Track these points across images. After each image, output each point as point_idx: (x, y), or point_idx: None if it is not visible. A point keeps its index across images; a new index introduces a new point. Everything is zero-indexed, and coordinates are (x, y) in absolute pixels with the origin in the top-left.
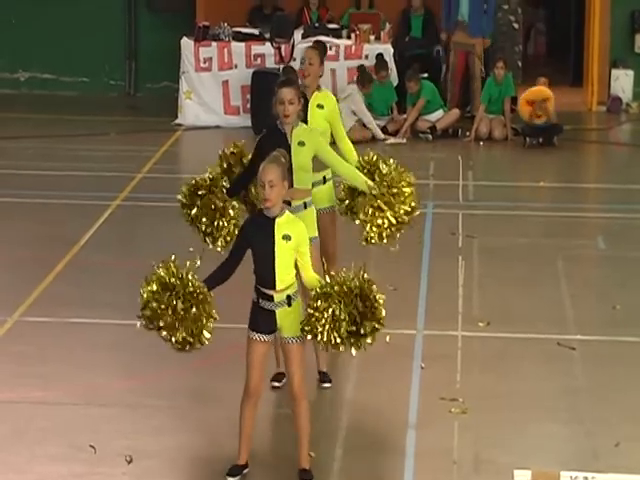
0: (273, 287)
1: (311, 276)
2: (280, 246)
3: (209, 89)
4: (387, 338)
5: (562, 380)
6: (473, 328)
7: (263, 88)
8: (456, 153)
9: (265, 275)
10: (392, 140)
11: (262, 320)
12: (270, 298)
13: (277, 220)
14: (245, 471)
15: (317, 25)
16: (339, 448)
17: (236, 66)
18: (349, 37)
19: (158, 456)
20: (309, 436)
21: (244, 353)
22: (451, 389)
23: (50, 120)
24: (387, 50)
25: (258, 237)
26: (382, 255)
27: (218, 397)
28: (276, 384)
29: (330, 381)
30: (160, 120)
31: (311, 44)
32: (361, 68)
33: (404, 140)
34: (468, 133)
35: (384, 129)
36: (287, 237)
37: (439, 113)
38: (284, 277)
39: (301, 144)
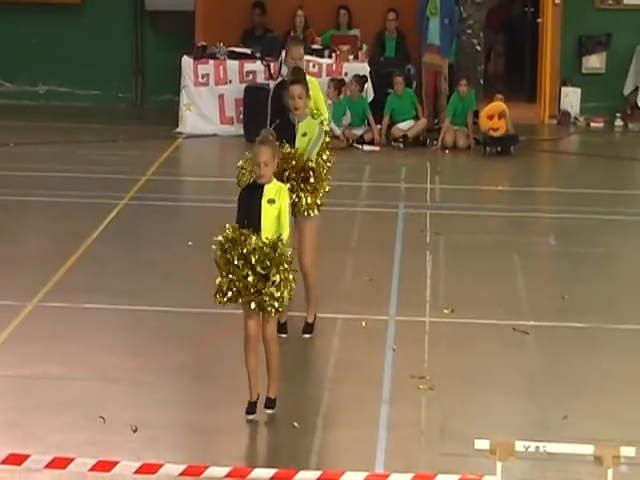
0: None
1: (287, 236)
2: (265, 208)
3: (206, 101)
4: (363, 323)
5: (517, 361)
6: (439, 314)
7: (254, 101)
8: (425, 160)
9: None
10: (368, 147)
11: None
12: None
13: (266, 186)
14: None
15: None
16: (320, 421)
17: (230, 81)
18: (330, 56)
19: (162, 426)
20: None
21: (239, 335)
22: (420, 368)
23: (66, 128)
24: (364, 68)
25: (248, 200)
26: (359, 249)
27: (217, 374)
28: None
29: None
30: (163, 129)
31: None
32: (331, 81)
33: (378, 148)
34: (435, 142)
35: (361, 138)
36: (272, 201)
37: (410, 122)
38: (268, 235)
39: (304, 135)
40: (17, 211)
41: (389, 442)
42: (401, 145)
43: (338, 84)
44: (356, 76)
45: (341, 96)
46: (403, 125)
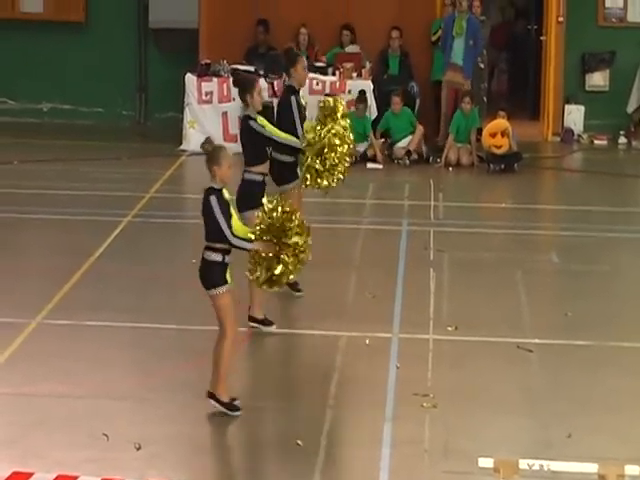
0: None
1: (239, 227)
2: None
3: (210, 119)
4: (366, 341)
5: (521, 378)
6: (443, 332)
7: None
8: (428, 177)
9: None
10: (371, 165)
11: (225, 273)
12: (229, 252)
13: (223, 190)
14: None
15: (306, 63)
16: (323, 439)
17: (234, 99)
18: (334, 74)
19: (165, 444)
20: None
21: (242, 352)
22: (423, 386)
23: (70, 146)
24: (367, 86)
25: (227, 208)
26: (362, 266)
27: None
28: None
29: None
30: (166, 146)
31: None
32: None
33: (381, 165)
34: (439, 160)
35: (364, 154)
36: (230, 201)
37: (408, 139)
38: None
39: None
40: (21, 228)
41: (392, 460)
42: (407, 162)
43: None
44: (359, 93)
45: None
46: (402, 143)
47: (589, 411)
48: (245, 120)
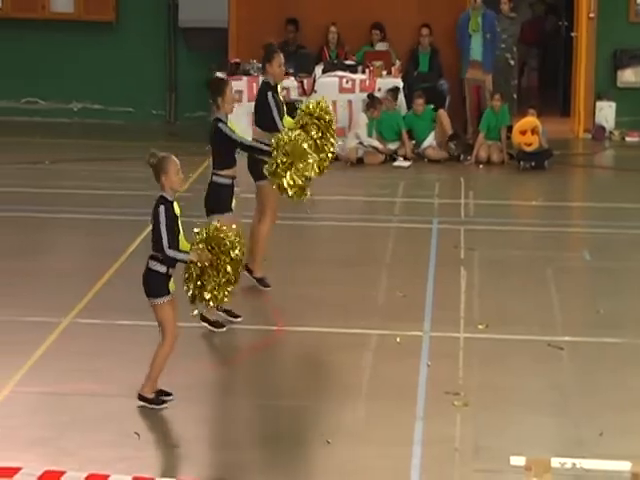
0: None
1: (184, 245)
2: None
3: (240, 118)
4: (397, 339)
5: (552, 376)
6: (473, 330)
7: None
8: (458, 175)
9: (176, 244)
10: (400, 163)
11: (168, 283)
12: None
13: (174, 203)
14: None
15: (335, 62)
16: (354, 437)
17: None
18: (364, 72)
19: (195, 442)
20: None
21: (273, 351)
22: (454, 384)
23: (100, 146)
24: (397, 84)
25: (174, 216)
26: (393, 265)
27: (250, 390)
28: None
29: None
30: (196, 146)
31: None
32: (370, 95)
33: (410, 163)
34: (469, 157)
35: (395, 154)
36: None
37: (431, 137)
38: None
39: None
40: (51, 228)
41: (423, 459)
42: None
43: (377, 101)
44: (389, 90)
45: (376, 113)
46: (427, 142)
47: (621, 409)
48: (214, 123)
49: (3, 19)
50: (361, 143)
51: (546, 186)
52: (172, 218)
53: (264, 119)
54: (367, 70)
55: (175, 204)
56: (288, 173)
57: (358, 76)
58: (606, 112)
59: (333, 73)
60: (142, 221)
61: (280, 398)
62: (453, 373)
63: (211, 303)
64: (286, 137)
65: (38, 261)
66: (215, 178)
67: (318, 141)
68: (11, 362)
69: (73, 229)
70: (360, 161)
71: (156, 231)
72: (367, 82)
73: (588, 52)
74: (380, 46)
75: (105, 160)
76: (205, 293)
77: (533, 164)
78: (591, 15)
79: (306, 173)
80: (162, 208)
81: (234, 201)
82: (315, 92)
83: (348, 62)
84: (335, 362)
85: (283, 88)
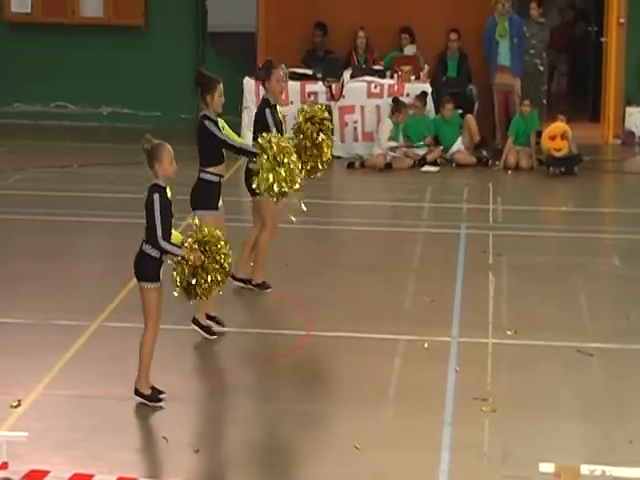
0: (169, 239)
1: (175, 235)
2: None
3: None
4: (425, 344)
5: (581, 383)
6: (502, 336)
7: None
8: (487, 180)
9: (169, 231)
10: (426, 168)
11: (159, 270)
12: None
13: (167, 188)
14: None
15: (364, 66)
16: (382, 442)
17: (292, 102)
18: (392, 77)
19: (223, 446)
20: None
21: (301, 356)
22: (482, 390)
23: (129, 149)
24: (426, 89)
25: (167, 203)
26: (420, 270)
27: (281, 395)
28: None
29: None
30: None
31: None
32: (394, 100)
33: (438, 168)
34: (497, 163)
35: (423, 159)
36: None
37: (459, 142)
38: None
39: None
40: (79, 232)
41: (451, 464)
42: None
43: (402, 105)
44: (418, 95)
45: (401, 117)
46: (455, 147)
47: None
48: (201, 120)
49: (33, 24)
50: (393, 149)
51: (575, 192)
52: (166, 205)
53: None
54: (395, 75)
55: (168, 189)
56: (271, 175)
57: (386, 81)
58: (636, 117)
59: (361, 78)
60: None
61: (308, 403)
62: (481, 379)
63: (198, 299)
64: (273, 139)
65: (66, 264)
66: (202, 175)
67: (324, 142)
68: (40, 365)
69: (101, 233)
70: (388, 166)
71: (150, 219)
72: (395, 87)
73: (618, 57)
74: (409, 50)
75: (133, 164)
76: (196, 288)
77: (563, 170)
78: (621, 20)
79: (288, 179)
80: (156, 196)
81: (221, 200)
82: (343, 97)
83: (376, 67)
84: (363, 367)
85: (310, 93)
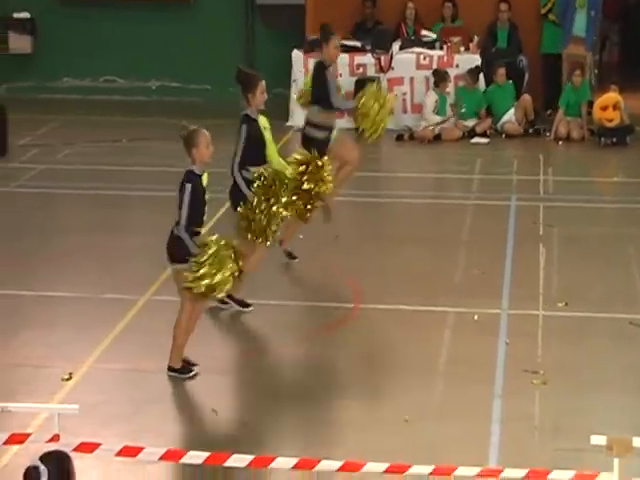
0: (202, 225)
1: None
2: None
3: None
4: (475, 316)
5: (633, 355)
6: (553, 308)
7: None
8: (537, 152)
9: (201, 217)
10: (475, 140)
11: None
12: (198, 234)
13: (203, 176)
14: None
15: (413, 38)
16: (432, 415)
17: (341, 75)
18: (441, 48)
19: (272, 418)
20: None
21: (350, 328)
22: (533, 362)
23: (177, 124)
24: (475, 60)
25: (201, 191)
26: (470, 242)
27: (329, 367)
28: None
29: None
30: (274, 122)
31: None
32: (435, 71)
33: (488, 140)
34: (548, 133)
35: (473, 130)
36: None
37: (511, 111)
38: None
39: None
40: (129, 206)
41: (502, 437)
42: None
43: (442, 76)
44: (469, 70)
45: (447, 89)
46: (506, 117)
47: None
48: (241, 121)
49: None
50: (438, 124)
51: (627, 162)
52: (199, 193)
53: (320, 97)
54: (445, 46)
55: (204, 176)
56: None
57: (436, 52)
58: None
59: (410, 50)
60: (219, 199)
61: (357, 375)
62: (532, 351)
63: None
64: (269, 173)
65: (115, 239)
66: (245, 174)
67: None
68: (91, 338)
69: (149, 207)
70: (437, 138)
71: (180, 206)
72: (445, 58)
73: None
74: (457, 23)
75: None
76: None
77: (614, 140)
78: None
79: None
80: (189, 186)
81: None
82: (392, 69)
83: (425, 39)
84: (412, 339)
85: (359, 65)
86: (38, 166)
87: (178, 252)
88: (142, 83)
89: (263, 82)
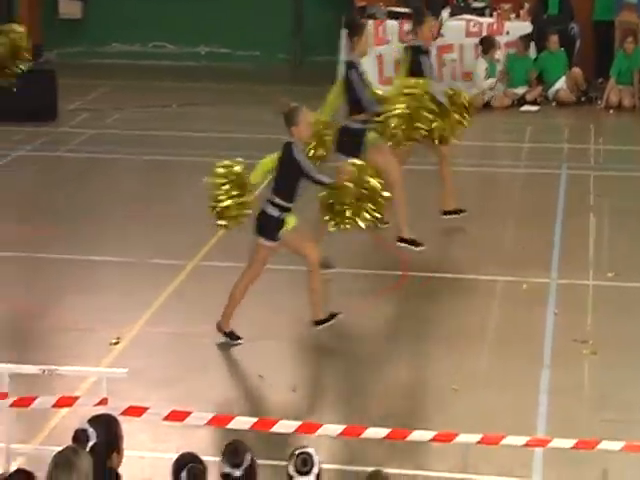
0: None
1: None
2: None
3: (365, 62)
4: (524, 286)
5: None
6: (603, 278)
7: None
8: (588, 120)
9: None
10: (525, 108)
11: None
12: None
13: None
14: None
15: (462, 5)
16: (479, 384)
17: (389, 41)
18: (491, 15)
19: (319, 385)
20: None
21: (398, 296)
22: (582, 332)
23: (226, 89)
24: (526, 27)
25: None
26: (520, 211)
27: (370, 336)
28: None
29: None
30: (322, 89)
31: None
32: (483, 39)
33: (538, 107)
34: (599, 102)
35: (522, 98)
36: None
37: (562, 81)
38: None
39: None
40: (178, 171)
41: (550, 407)
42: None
43: (489, 43)
44: (521, 37)
45: (496, 56)
46: (558, 84)
47: None
48: (347, 68)
49: None
50: (492, 87)
51: None
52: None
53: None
54: (495, 13)
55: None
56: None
57: (486, 19)
58: None
59: (460, 16)
60: None
61: (405, 344)
62: (581, 321)
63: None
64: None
65: (164, 204)
66: (349, 123)
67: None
68: (138, 303)
69: (198, 172)
70: (487, 106)
71: (290, 176)
72: (495, 26)
73: None
74: None
75: (231, 104)
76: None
77: None
78: None
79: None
80: (301, 156)
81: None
82: (442, 36)
83: (475, 5)
84: (460, 308)
85: (409, 32)
86: (88, 131)
87: (264, 228)
88: (191, 49)
89: (368, 29)
